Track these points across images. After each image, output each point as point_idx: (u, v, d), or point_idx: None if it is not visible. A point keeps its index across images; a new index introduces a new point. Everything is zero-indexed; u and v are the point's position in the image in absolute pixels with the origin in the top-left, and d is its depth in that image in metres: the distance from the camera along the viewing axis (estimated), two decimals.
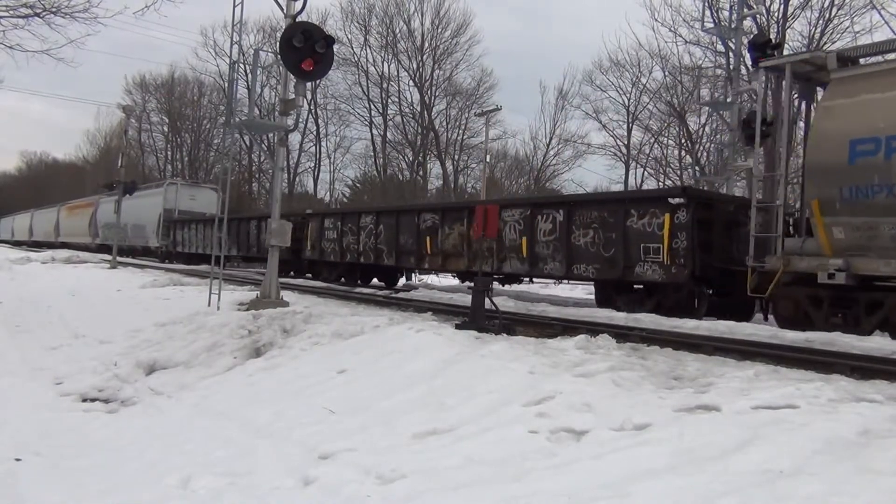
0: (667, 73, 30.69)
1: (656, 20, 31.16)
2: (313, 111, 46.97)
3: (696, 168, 30.07)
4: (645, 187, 34.79)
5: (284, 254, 19.06)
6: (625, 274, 11.34)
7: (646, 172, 36.83)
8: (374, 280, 19.92)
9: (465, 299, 10.23)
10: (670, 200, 10.89)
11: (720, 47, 23.67)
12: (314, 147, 49.10)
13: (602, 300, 12.45)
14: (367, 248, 17.59)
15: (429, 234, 15.46)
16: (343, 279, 19.05)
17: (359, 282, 18.52)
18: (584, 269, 12.15)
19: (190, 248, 29.19)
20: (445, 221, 15.05)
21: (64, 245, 45.08)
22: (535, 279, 15.20)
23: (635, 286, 11.78)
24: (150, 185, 39.98)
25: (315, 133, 48.58)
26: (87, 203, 45.79)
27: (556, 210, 12.70)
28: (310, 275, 20.53)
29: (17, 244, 57.21)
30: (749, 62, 16.90)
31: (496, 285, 14.55)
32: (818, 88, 10.85)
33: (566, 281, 15.89)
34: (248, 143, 48.02)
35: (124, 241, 36.83)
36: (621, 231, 11.36)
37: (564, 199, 13.65)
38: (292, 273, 21.11)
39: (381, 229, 17.11)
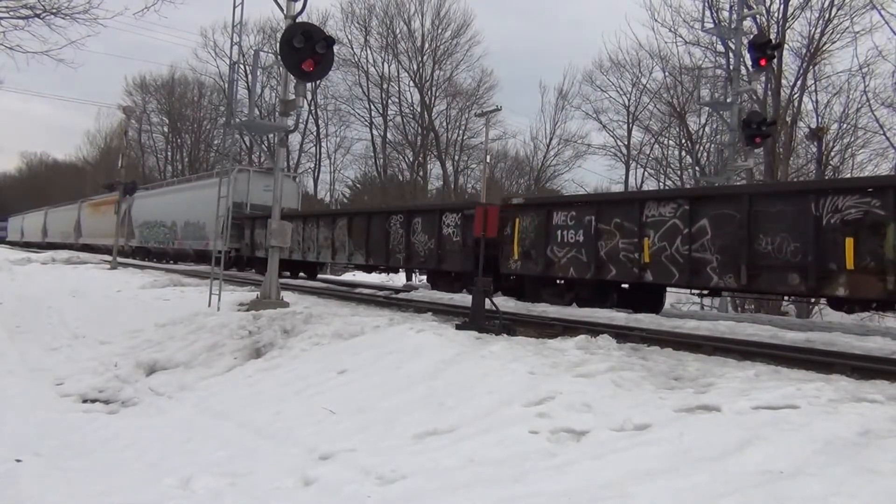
0: (667, 73, 30.67)
1: (656, 21, 31.29)
2: (313, 112, 46.99)
3: (696, 168, 30.07)
4: (645, 188, 34.84)
5: (460, 265, 14.28)
6: None
7: (646, 173, 36.86)
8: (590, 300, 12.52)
9: (466, 300, 10.25)
10: None
11: (720, 48, 23.64)
12: (314, 148, 49.16)
13: None
14: (664, 258, 10.59)
15: (852, 233, 8.54)
16: (576, 303, 12.28)
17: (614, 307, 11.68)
18: None
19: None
20: None
21: (87, 248, 39.41)
22: None
23: None
24: (207, 174, 33.01)
25: (315, 134, 48.62)
26: (116, 198, 40.17)
27: None
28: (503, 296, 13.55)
29: (27, 246, 51.90)
30: (749, 62, 16.93)
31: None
32: None
33: None
34: (248, 143, 48.03)
35: (170, 243, 30.97)
36: None
37: None
38: (464, 290, 14.06)
39: (699, 227, 10.20)
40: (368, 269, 18.82)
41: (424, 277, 19.22)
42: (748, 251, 9.57)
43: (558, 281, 12.83)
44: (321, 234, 19.46)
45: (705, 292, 11.78)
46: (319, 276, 23.81)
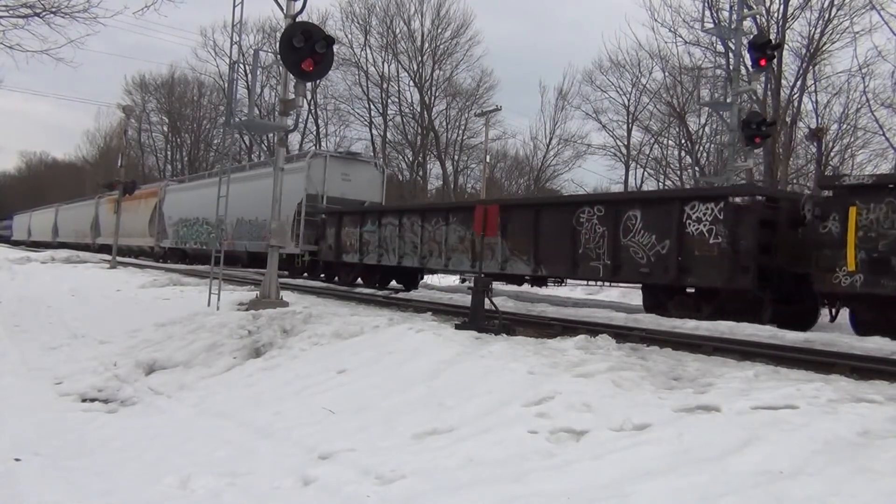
0: (667, 73, 30.71)
1: (656, 21, 31.23)
2: (313, 111, 47.02)
3: (696, 168, 30.08)
4: (645, 188, 34.87)
5: (720, 278, 9.68)
6: None
7: (646, 173, 36.91)
8: None
9: (465, 299, 10.24)
10: None
11: (720, 48, 23.65)
12: (314, 147, 49.10)
13: None
14: None
15: None
16: None
17: None
18: None
19: (385, 256, 16.76)
20: None
21: (106, 248, 34.15)
22: None
23: None
24: (262, 163, 26.79)
25: (315, 133, 48.63)
26: (146, 192, 33.62)
27: None
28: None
29: (35, 246, 48.01)
30: (749, 62, 16.93)
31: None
32: None
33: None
34: (247, 143, 48.00)
35: (218, 244, 24.96)
36: None
37: None
38: (743, 318, 9.20)
39: None
40: (537, 281, 14.04)
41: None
42: None
43: None
44: (452, 234, 14.79)
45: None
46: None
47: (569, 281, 14.60)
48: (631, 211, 11.16)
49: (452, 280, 22.26)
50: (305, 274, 20.02)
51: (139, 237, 33.48)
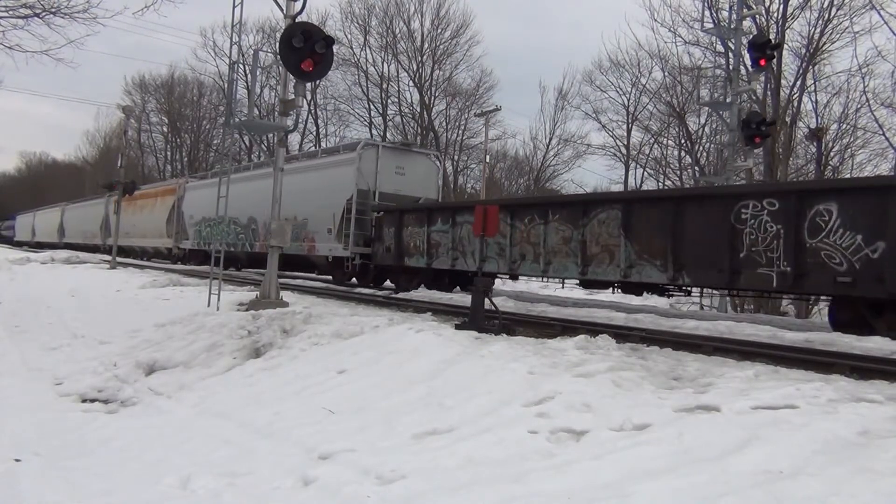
0: (666, 73, 30.66)
1: (656, 20, 31.19)
2: (313, 112, 47.02)
3: (696, 168, 30.07)
4: (645, 188, 34.88)
5: None
6: None
7: (645, 173, 36.90)
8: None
9: (465, 299, 10.25)
10: None
11: (720, 48, 23.63)
12: (314, 147, 49.11)
13: None
14: None
15: None
16: None
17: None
18: None
19: (461, 260, 14.53)
20: None
21: (119, 250, 29.47)
22: None
23: None
24: (307, 153, 23.97)
25: (315, 133, 48.62)
26: (163, 189, 31.50)
27: None
28: None
29: (39, 247, 46.63)
30: (749, 62, 16.94)
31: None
32: None
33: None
34: (247, 143, 48.03)
35: (245, 245, 22.69)
36: None
37: None
38: None
39: None
40: (663, 291, 11.83)
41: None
42: None
43: None
44: (552, 235, 12.45)
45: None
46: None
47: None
48: (822, 204, 8.80)
49: None
50: (354, 279, 17.75)
51: (156, 238, 31.04)
